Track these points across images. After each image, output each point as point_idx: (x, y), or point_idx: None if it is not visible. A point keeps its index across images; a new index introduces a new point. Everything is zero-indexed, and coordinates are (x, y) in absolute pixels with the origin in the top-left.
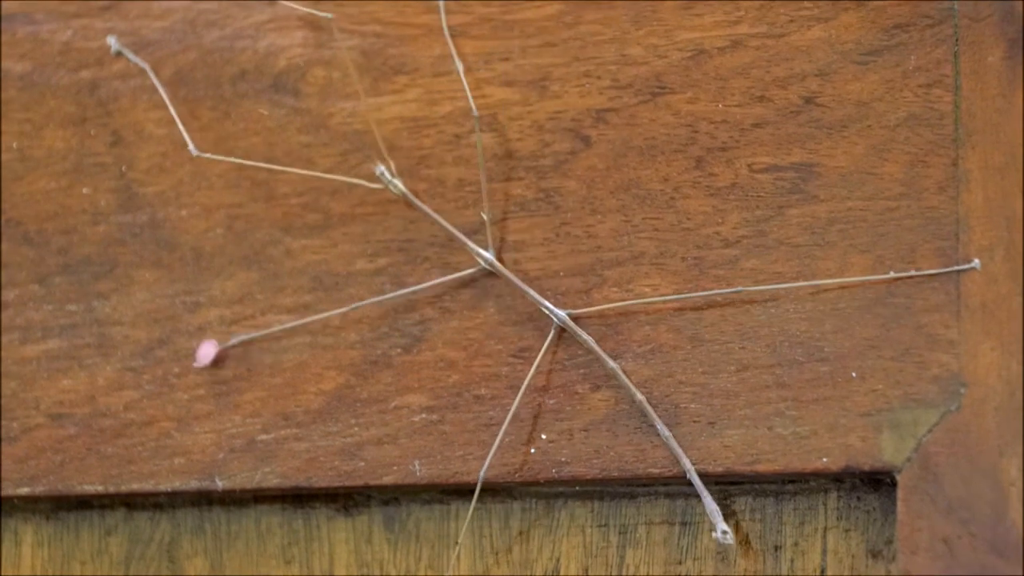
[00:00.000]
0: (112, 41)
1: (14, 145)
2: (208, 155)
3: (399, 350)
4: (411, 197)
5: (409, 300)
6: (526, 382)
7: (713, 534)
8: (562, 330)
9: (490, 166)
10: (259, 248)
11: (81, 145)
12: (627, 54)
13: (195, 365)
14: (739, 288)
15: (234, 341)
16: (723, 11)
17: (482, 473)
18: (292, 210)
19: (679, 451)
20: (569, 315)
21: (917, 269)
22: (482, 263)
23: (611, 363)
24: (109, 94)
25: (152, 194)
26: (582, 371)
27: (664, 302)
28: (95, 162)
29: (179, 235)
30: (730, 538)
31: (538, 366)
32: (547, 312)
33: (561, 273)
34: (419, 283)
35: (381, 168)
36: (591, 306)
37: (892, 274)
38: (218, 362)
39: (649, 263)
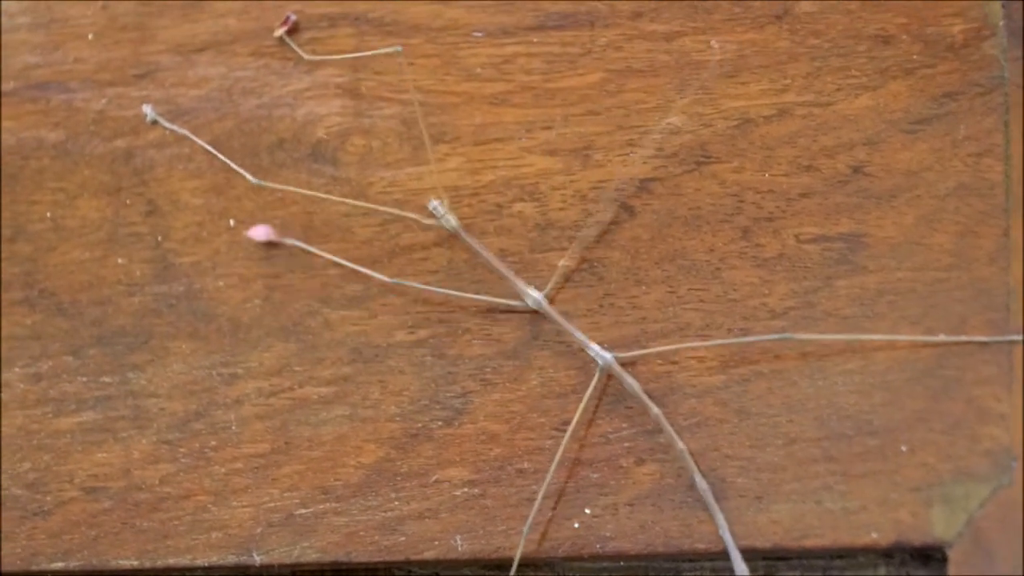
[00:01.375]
0: (148, 110)
1: (48, 215)
2: (270, 184)
3: (440, 423)
4: (463, 233)
5: (450, 372)
6: (573, 423)
7: None
8: (607, 382)
9: (533, 236)
10: (297, 319)
11: (116, 215)
12: (671, 122)
13: (250, 235)
14: (787, 335)
15: (289, 241)
16: (769, 79)
17: (519, 551)
18: (331, 280)
19: (715, 505)
20: (616, 358)
21: (968, 337)
22: (528, 302)
23: (655, 409)
24: (144, 163)
25: (188, 264)
26: (627, 444)
27: (708, 361)
28: (130, 232)
29: (216, 306)
30: None
31: (583, 411)
32: (593, 355)
33: (605, 344)
34: (460, 355)
35: (435, 203)
36: (637, 378)
37: (943, 337)
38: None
39: (695, 335)
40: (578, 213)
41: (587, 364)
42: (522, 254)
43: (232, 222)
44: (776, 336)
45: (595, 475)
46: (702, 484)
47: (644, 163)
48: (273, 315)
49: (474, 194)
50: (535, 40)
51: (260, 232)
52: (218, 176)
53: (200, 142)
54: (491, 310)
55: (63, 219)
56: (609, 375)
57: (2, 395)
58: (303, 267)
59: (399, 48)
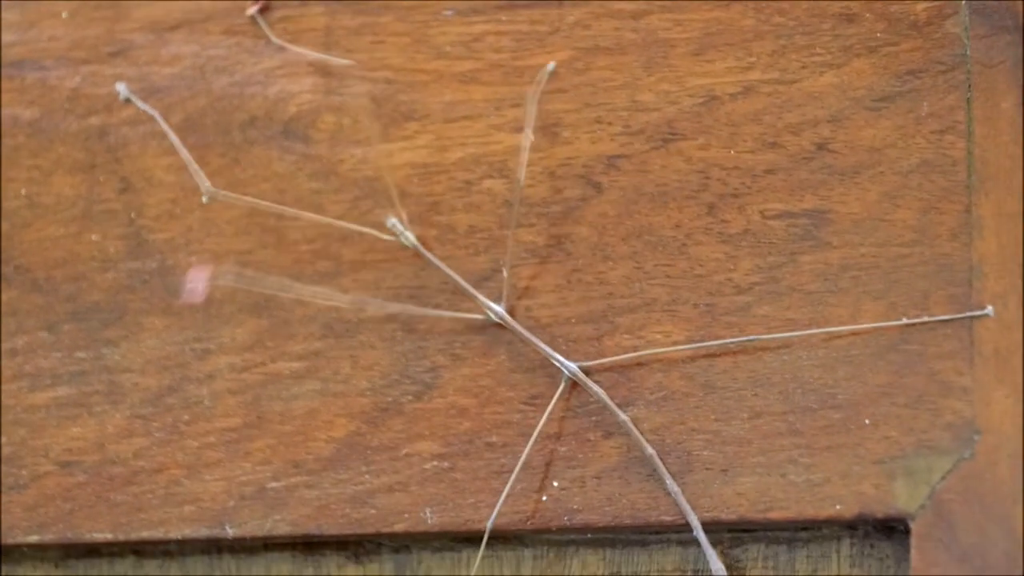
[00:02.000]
0: (121, 88)
1: (23, 192)
2: (223, 193)
3: (410, 397)
4: (422, 250)
5: (420, 347)
6: (535, 433)
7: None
8: (574, 382)
9: (501, 212)
10: (269, 295)
11: (90, 192)
12: (638, 100)
13: (187, 291)
14: (752, 337)
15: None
16: (735, 57)
17: (490, 522)
18: (303, 257)
19: (687, 508)
20: (580, 367)
21: (930, 316)
22: (491, 316)
23: (622, 415)
24: (118, 140)
25: (161, 240)
26: (594, 419)
27: (675, 352)
28: (104, 209)
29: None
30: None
31: (549, 415)
32: (558, 364)
33: (572, 320)
34: (430, 330)
35: (393, 220)
36: (603, 354)
37: (905, 320)
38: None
39: (661, 310)
40: (546, 190)
41: (554, 339)
42: (491, 230)
43: (205, 199)
44: (742, 339)
45: (563, 448)
46: (674, 488)
47: (611, 140)
48: (245, 291)
49: (443, 171)
50: (504, 19)
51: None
52: (191, 154)
53: (166, 127)
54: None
55: (38, 196)
56: (574, 383)
57: None
58: (275, 243)
59: (352, 62)
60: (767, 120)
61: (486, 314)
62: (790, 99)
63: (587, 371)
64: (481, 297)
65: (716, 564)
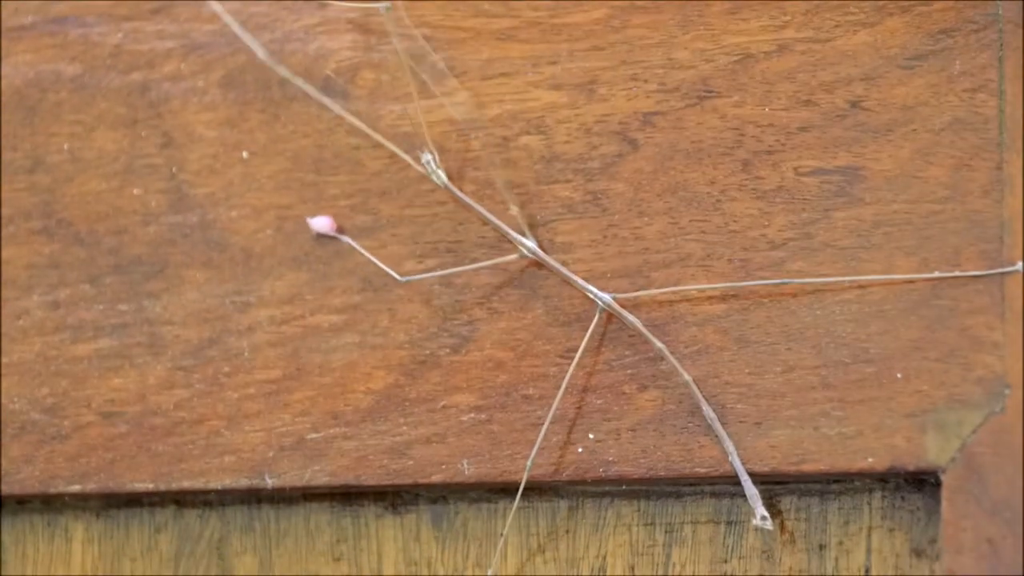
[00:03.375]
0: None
1: (65, 147)
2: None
3: (448, 350)
4: (452, 188)
5: (457, 300)
6: (575, 361)
7: (753, 521)
8: (608, 319)
9: (538, 168)
10: (309, 249)
11: (132, 147)
12: (674, 58)
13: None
14: (785, 280)
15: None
16: (769, 16)
17: (527, 472)
18: (341, 212)
19: (723, 432)
20: (615, 298)
21: (962, 271)
22: (525, 251)
23: (658, 343)
24: (159, 96)
25: (202, 195)
26: (629, 371)
27: (709, 290)
28: (146, 163)
29: (229, 236)
30: (769, 523)
31: (585, 348)
32: (592, 297)
33: (608, 275)
34: (467, 284)
35: (428, 156)
36: (639, 308)
37: (937, 273)
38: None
39: (696, 265)
40: (583, 146)
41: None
42: (528, 186)
43: (245, 154)
44: (774, 281)
45: (599, 401)
46: (710, 413)
47: (647, 97)
48: (285, 245)
49: (481, 127)
50: None
51: (320, 224)
52: (231, 109)
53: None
54: (499, 240)
55: (80, 151)
56: (609, 314)
57: (21, 322)
58: (315, 199)
59: (389, 5)
60: (801, 78)
61: (519, 251)
62: (824, 57)
63: (622, 304)
64: (513, 233)
65: (751, 489)
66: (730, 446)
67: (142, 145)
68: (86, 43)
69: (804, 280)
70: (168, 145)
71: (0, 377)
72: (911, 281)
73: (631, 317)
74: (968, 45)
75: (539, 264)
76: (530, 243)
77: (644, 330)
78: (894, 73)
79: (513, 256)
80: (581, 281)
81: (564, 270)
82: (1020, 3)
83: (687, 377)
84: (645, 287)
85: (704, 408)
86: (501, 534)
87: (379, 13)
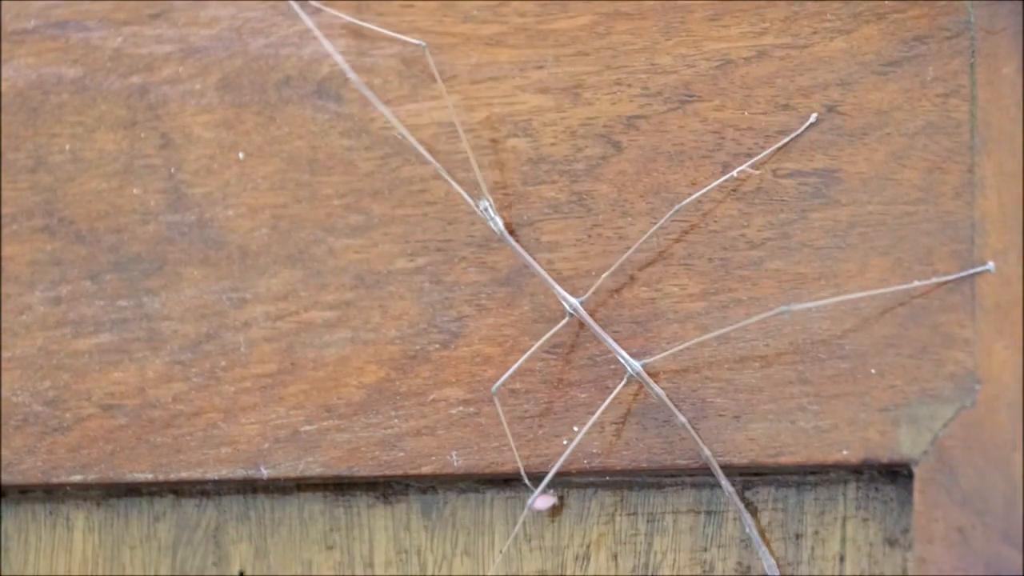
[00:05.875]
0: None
1: (67, 147)
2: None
3: (437, 345)
4: (508, 238)
5: (447, 297)
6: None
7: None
8: (591, 314)
9: (525, 169)
10: (303, 247)
11: (131, 147)
12: (657, 63)
13: (534, 507)
14: (781, 308)
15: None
16: (749, 22)
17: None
18: (335, 211)
19: (722, 476)
20: (644, 365)
21: (935, 271)
22: (567, 308)
23: (681, 418)
24: (158, 98)
25: (200, 195)
26: (612, 367)
27: (689, 288)
28: (145, 164)
29: (226, 234)
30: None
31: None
32: (623, 362)
33: (592, 272)
34: (456, 282)
35: (485, 203)
36: (622, 306)
37: (916, 283)
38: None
39: (677, 264)
40: (568, 148)
41: (576, 290)
42: (515, 187)
43: (241, 155)
44: (772, 313)
45: (583, 395)
46: (728, 488)
47: (631, 101)
48: (280, 243)
49: (470, 130)
50: None
51: (542, 502)
52: (228, 111)
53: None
54: (487, 240)
55: (81, 151)
56: (590, 310)
57: (24, 317)
58: (309, 198)
59: (423, 43)
60: (779, 83)
61: (563, 307)
62: (801, 63)
63: (646, 365)
64: (559, 288)
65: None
66: (747, 518)
67: (141, 146)
68: (87, 47)
69: (801, 306)
70: (166, 146)
71: (2, 370)
72: (885, 280)
73: (657, 388)
74: (941, 52)
75: (526, 263)
76: (574, 300)
77: (668, 402)
78: (869, 79)
79: (563, 321)
80: (615, 345)
81: (602, 332)
82: (991, 11)
83: (707, 452)
84: (628, 285)
85: (723, 483)
86: (517, 526)
87: (371, 20)
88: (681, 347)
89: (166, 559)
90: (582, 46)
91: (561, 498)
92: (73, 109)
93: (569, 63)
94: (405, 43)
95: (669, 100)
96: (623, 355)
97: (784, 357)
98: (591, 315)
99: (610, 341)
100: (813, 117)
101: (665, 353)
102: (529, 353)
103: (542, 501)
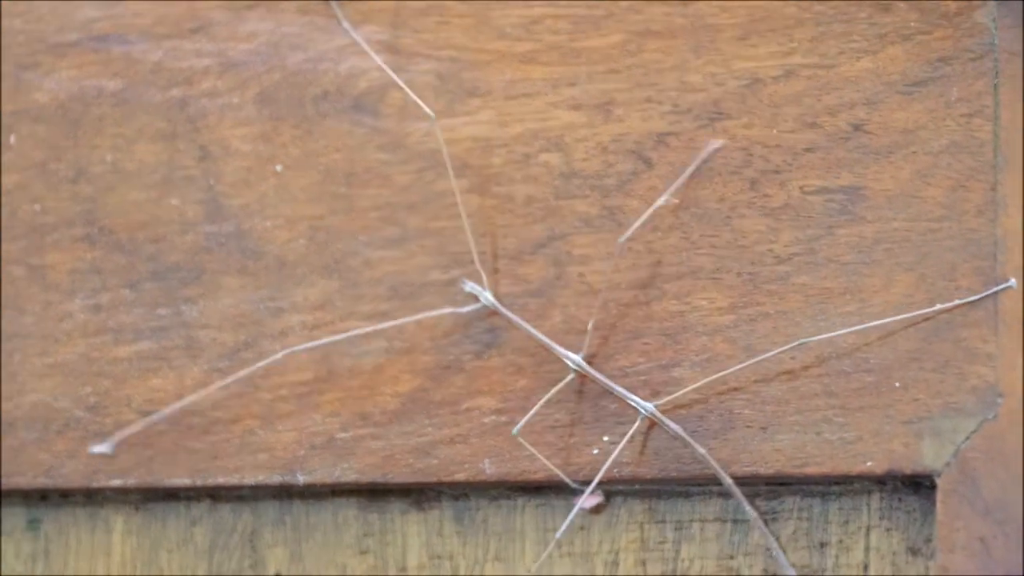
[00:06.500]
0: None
1: (108, 158)
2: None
3: (471, 356)
4: (501, 308)
5: (480, 308)
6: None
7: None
8: (609, 326)
9: (557, 184)
10: (339, 258)
11: (170, 159)
12: (687, 81)
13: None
14: (800, 341)
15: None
16: (777, 42)
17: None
18: (371, 223)
19: (745, 501)
20: (656, 406)
21: (958, 287)
22: (571, 365)
23: (700, 449)
24: (197, 111)
25: (238, 206)
26: (642, 378)
27: (718, 301)
28: (184, 175)
29: (263, 245)
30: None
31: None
32: (634, 405)
33: (623, 285)
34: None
35: (471, 284)
36: (651, 318)
37: (939, 306)
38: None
39: (706, 277)
40: (600, 164)
41: (606, 303)
42: (547, 201)
43: (279, 167)
44: (791, 345)
45: (613, 405)
46: (753, 514)
47: (661, 118)
48: (317, 254)
49: (504, 145)
50: (562, 2)
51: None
52: (266, 124)
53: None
54: (519, 252)
55: (122, 162)
56: (651, 422)
57: (65, 325)
58: (345, 210)
59: (433, 115)
60: (807, 102)
61: (565, 363)
62: (828, 82)
63: (661, 410)
64: (559, 348)
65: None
66: (772, 541)
67: (180, 158)
68: (128, 60)
69: (817, 338)
70: (205, 158)
71: (45, 376)
72: (910, 295)
73: (674, 426)
74: (965, 73)
75: (558, 275)
76: (576, 357)
77: (687, 437)
78: (894, 98)
79: (567, 378)
80: (624, 392)
81: (608, 382)
82: (1014, 34)
83: (728, 481)
84: (657, 298)
85: (747, 510)
86: (555, 533)
87: (407, 36)
88: (693, 387)
89: (203, 562)
90: (614, 64)
91: (607, 494)
92: (114, 121)
93: (601, 80)
94: (442, 58)
95: (699, 117)
96: (635, 400)
97: (810, 370)
98: (611, 328)
99: (619, 389)
100: (719, 143)
101: (677, 394)
102: (542, 403)
103: (590, 500)
